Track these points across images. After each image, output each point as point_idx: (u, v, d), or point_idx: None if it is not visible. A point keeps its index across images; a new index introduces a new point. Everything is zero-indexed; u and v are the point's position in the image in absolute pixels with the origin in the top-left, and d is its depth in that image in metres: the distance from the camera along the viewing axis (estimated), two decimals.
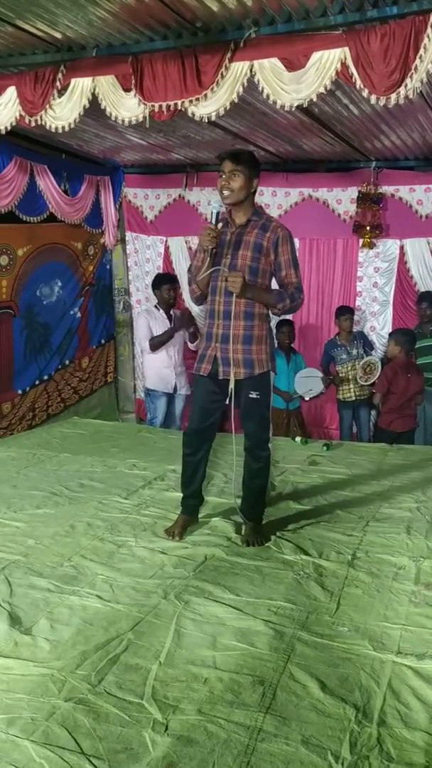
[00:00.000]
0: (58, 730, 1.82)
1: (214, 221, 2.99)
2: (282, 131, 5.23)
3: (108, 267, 7.26)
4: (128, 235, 7.14)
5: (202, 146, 5.93)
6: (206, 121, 3.58)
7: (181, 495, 3.37)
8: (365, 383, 5.67)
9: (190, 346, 5.72)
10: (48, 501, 3.74)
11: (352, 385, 5.80)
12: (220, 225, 3.02)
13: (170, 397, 5.76)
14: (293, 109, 3.33)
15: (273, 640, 2.28)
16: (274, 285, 3.16)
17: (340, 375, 5.87)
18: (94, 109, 4.20)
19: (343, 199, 6.24)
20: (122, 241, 7.17)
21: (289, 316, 6.27)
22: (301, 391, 5.95)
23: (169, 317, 5.63)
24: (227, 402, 3.10)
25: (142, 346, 5.76)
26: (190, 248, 6.85)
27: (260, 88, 3.35)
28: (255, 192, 3.09)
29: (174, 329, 5.55)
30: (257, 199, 6.23)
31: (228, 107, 3.44)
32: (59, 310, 6.52)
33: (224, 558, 2.97)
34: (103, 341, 7.27)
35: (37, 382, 6.28)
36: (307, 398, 5.99)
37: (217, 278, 3.04)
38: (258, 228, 3.05)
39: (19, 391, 6.03)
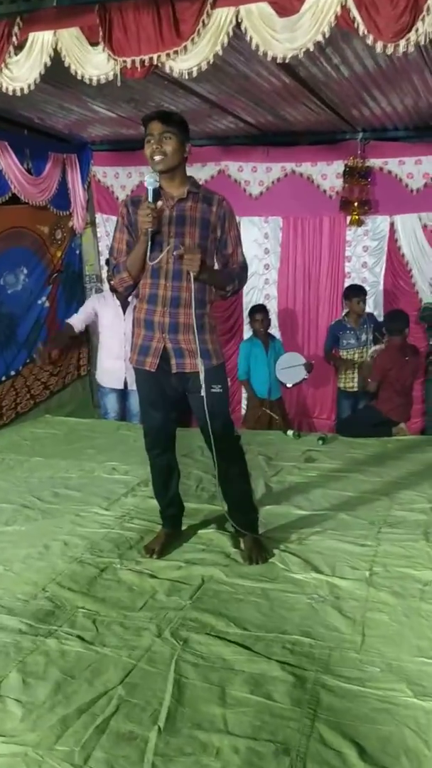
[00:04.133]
0: None
1: (152, 199, 2.59)
2: (264, 98, 4.79)
3: (78, 252, 6.76)
4: (98, 217, 6.65)
5: None
6: (185, 77, 3.12)
7: None
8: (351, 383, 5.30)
9: None
10: (18, 515, 3.31)
11: (355, 374, 5.40)
12: (159, 203, 2.63)
13: (122, 393, 5.40)
14: (287, 60, 2.90)
15: (293, 689, 1.91)
16: None
17: (344, 358, 5.46)
18: (56, 75, 3.73)
19: (328, 173, 5.82)
20: (92, 224, 6.68)
21: (262, 300, 5.94)
22: (284, 381, 5.58)
23: (124, 306, 5.24)
24: (198, 394, 2.66)
25: (71, 320, 5.66)
26: None
27: (248, 38, 2.91)
28: (187, 159, 2.71)
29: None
30: (249, 175, 5.95)
31: (211, 60, 3.00)
32: (25, 299, 6.02)
33: (224, 580, 2.58)
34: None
35: (3, 379, 5.79)
36: (289, 385, 5.62)
37: (157, 259, 2.62)
38: (201, 201, 2.68)
39: None
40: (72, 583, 2.58)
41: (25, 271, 6.01)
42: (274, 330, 5.99)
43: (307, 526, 3.11)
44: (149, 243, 2.58)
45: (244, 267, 2.77)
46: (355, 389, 5.39)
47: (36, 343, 6.22)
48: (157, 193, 2.60)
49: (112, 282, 2.83)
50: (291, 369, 5.55)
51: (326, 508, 3.36)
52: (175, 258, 2.61)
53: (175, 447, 2.91)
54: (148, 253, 2.60)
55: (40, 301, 6.23)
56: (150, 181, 2.58)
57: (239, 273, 2.75)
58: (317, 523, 3.15)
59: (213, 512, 3.27)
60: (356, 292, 5.40)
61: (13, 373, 5.92)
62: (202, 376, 2.63)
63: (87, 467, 4.13)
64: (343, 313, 5.59)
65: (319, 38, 2.78)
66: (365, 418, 5.03)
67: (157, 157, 2.60)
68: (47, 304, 6.33)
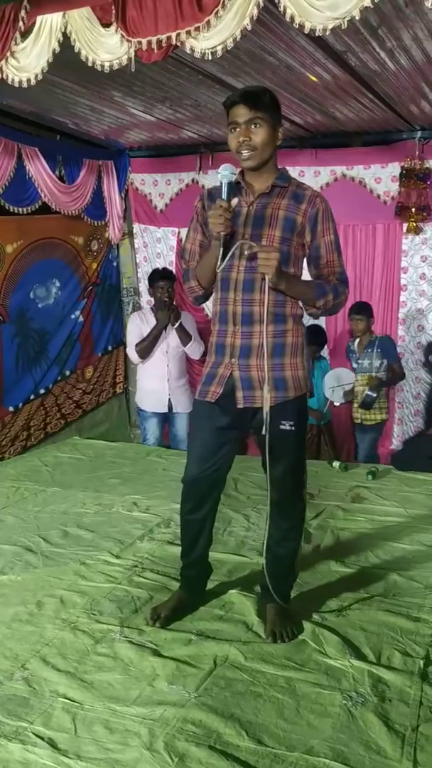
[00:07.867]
0: None
1: (225, 196, 2.10)
2: (311, 93, 4.33)
3: (115, 264, 6.43)
4: (136, 227, 6.30)
5: (217, 120, 5.06)
6: (208, 57, 2.67)
7: None
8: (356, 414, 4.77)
9: (188, 352, 4.83)
10: (18, 561, 2.91)
11: (357, 405, 4.87)
12: (235, 201, 2.14)
13: (165, 417, 4.93)
14: (328, 32, 2.43)
15: None
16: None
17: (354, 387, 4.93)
18: (80, 70, 3.37)
19: (382, 177, 5.31)
20: (130, 234, 6.33)
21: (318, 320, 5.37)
22: (334, 399, 5.05)
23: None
24: (262, 433, 2.15)
25: (130, 355, 4.93)
26: None
27: (281, 8, 2.46)
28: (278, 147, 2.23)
29: (157, 327, 4.69)
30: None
31: (238, 37, 2.56)
32: (57, 313, 5.71)
33: (241, 664, 2.10)
34: (110, 348, 6.45)
35: (32, 397, 5.48)
36: (336, 404, 5.07)
37: (231, 268, 2.17)
38: (288, 197, 2.18)
39: (11, 408, 5.24)
40: (58, 658, 2.15)
41: (58, 283, 5.71)
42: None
43: (350, 589, 2.59)
44: (221, 250, 2.10)
45: (343, 280, 2.23)
46: (359, 421, 4.85)
47: (68, 360, 5.90)
48: (233, 189, 2.12)
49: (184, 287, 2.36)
50: (340, 388, 5.01)
51: (373, 565, 2.83)
52: (247, 266, 2.13)
53: (215, 505, 2.40)
54: (219, 262, 2.12)
55: (73, 316, 5.93)
56: (225, 174, 2.09)
57: (336, 287, 2.19)
58: (362, 585, 2.63)
59: (239, 565, 2.79)
60: (356, 310, 4.83)
61: (42, 391, 5.61)
62: (266, 409, 2.12)
63: (106, 501, 3.72)
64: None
65: (368, 3, 2.31)
66: (420, 449, 4.45)
67: (245, 152, 2.11)
68: (81, 319, 6.01)
